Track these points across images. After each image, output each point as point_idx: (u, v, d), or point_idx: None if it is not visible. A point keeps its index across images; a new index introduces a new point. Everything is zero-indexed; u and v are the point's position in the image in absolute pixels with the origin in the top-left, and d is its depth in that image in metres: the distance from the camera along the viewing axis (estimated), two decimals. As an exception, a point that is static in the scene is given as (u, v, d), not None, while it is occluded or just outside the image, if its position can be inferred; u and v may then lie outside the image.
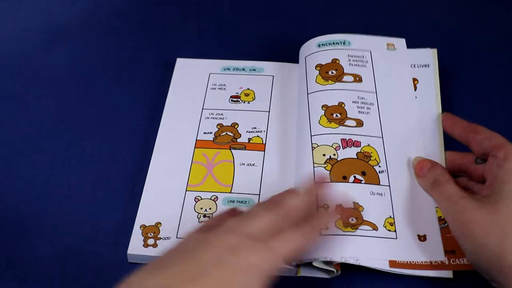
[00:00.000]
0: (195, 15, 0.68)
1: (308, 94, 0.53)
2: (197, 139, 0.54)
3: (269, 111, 0.56)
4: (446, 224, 0.46)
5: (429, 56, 0.56)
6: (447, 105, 0.54)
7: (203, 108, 0.57)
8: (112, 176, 0.53)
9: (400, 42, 0.57)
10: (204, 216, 0.49)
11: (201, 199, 0.50)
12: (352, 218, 0.46)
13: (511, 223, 0.39)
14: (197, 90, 0.58)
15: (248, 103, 0.57)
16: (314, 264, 0.44)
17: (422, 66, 0.56)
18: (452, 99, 0.56)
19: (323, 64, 0.55)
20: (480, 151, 0.45)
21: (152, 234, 0.48)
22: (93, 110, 0.59)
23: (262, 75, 0.59)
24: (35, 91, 0.61)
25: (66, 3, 0.70)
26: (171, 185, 0.51)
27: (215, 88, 0.58)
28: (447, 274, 0.44)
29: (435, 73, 0.55)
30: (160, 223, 0.49)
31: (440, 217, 0.46)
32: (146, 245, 0.47)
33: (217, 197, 0.50)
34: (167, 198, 0.50)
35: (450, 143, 0.50)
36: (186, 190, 0.51)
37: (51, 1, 0.70)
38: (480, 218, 0.40)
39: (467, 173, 0.48)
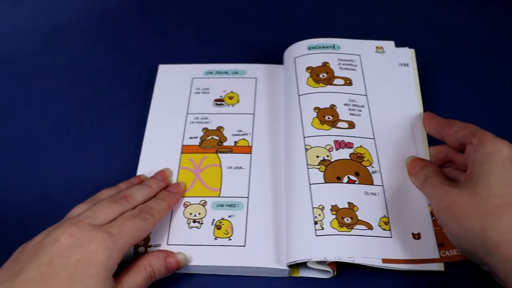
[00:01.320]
0: (178, 20, 0.68)
1: (299, 95, 0.54)
2: (183, 144, 0.54)
3: (254, 113, 0.56)
4: (434, 218, 0.47)
5: (407, 55, 0.57)
6: (430, 102, 0.56)
7: (187, 113, 0.56)
8: (99, 184, 0.52)
9: (389, 45, 0.58)
10: (194, 221, 0.49)
11: (190, 204, 0.50)
12: (347, 218, 0.46)
13: (491, 202, 0.39)
14: (181, 95, 0.58)
15: (233, 106, 0.57)
16: (308, 264, 0.45)
17: (402, 65, 0.56)
18: (434, 96, 0.57)
19: (314, 67, 0.55)
20: (456, 142, 0.46)
21: (142, 242, 0.48)
22: (83, 114, 0.59)
23: (245, 77, 0.59)
24: (35, 91, 0.61)
25: (66, 3, 0.69)
26: None
27: (198, 93, 0.58)
28: (439, 267, 0.45)
29: (415, 72, 0.56)
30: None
31: (431, 212, 0.47)
32: (136, 253, 0.47)
33: (206, 201, 0.50)
34: None
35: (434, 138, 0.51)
36: None
37: (51, 2, 0.69)
38: (461, 200, 0.41)
39: (452, 163, 0.49)
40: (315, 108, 0.52)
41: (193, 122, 0.55)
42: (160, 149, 0.54)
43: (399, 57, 0.57)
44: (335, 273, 0.45)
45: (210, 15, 0.68)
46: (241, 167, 0.52)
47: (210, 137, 0.54)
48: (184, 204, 0.50)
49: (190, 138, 0.54)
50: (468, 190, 0.41)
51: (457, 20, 0.66)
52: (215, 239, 0.48)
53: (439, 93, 0.58)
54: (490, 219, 0.39)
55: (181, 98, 0.57)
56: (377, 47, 0.58)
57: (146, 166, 0.53)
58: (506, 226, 0.38)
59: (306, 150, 0.50)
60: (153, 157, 0.53)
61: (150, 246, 0.47)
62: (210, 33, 0.66)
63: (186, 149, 0.54)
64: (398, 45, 0.58)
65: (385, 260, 0.45)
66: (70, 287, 0.37)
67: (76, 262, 0.38)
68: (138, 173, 0.52)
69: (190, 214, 0.49)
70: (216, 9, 0.68)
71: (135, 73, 0.62)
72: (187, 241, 0.48)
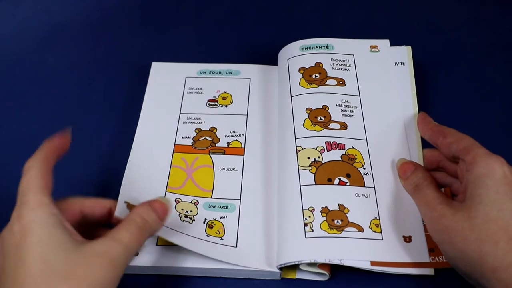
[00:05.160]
0: (174, 20, 0.68)
1: (291, 97, 0.53)
2: (176, 143, 0.54)
3: (247, 114, 0.56)
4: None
5: (404, 53, 0.56)
6: (428, 102, 0.55)
7: (180, 113, 0.56)
8: (89, 180, 0.53)
9: (384, 43, 0.57)
10: (186, 216, 0.48)
11: (181, 201, 0.49)
12: (337, 220, 0.46)
13: (487, 226, 0.39)
14: (174, 94, 0.57)
15: (226, 106, 0.56)
16: (301, 267, 0.45)
17: (397, 64, 0.56)
18: (433, 96, 0.57)
19: (307, 67, 0.55)
20: (449, 154, 0.46)
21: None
22: (81, 112, 0.59)
23: (239, 77, 0.59)
24: (34, 91, 0.61)
25: (65, 3, 0.70)
26: (150, 188, 0.50)
27: (192, 92, 0.58)
28: (429, 271, 0.45)
29: (410, 71, 0.55)
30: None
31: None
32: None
33: (197, 201, 0.50)
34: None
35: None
36: (166, 192, 0.50)
37: (51, 1, 0.70)
38: (457, 225, 0.40)
39: (444, 169, 0.48)
40: (307, 109, 0.52)
41: (185, 122, 0.55)
42: (151, 148, 0.53)
43: (395, 56, 0.56)
44: (330, 275, 0.45)
45: (207, 15, 0.68)
46: (233, 169, 0.52)
47: (203, 138, 0.54)
48: (175, 200, 0.49)
49: (183, 138, 0.54)
50: (464, 214, 0.40)
51: (457, 19, 0.66)
52: (207, 236, 0.47)
53: (438, 93, 0.57)
54: (486, 244, 0.39)
55: (174, 97, 0.57)
56: (371, 46, 0.57)
57: (137, 164, 0.52)
58: (502, 251, 0.38)
59: (298, 151, 0.50)
60: (144, 155, 0.53)
61: (141, 244, 0.47)
62: (207, 33, 0.66)
63: (178, 149, 0.53)
64: (396, 44, 0.57)
65: (375, 263, 0.44)
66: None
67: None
68: (126, 170, 0.51)
69: (182, 209, 0.49)
70: (212, 9, 0.68)
71: (132, 71, 0.62)
72: (180, 230, 0.47)
